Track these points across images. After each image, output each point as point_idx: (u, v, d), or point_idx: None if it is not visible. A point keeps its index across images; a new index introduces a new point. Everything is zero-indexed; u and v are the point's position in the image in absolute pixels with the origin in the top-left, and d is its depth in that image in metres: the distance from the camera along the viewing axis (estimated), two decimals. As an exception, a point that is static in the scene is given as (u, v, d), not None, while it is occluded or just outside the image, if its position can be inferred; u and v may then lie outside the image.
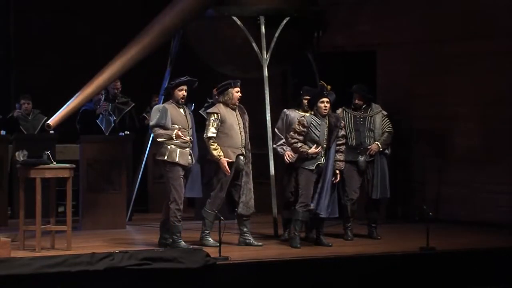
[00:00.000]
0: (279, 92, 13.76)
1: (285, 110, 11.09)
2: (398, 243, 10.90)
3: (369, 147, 11.15)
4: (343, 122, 10.77)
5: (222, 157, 10.31)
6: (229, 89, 10.49)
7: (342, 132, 10.64)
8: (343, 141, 10.68)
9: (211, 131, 10.35)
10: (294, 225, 10.48)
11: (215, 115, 10.41)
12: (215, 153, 10.32)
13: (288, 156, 10.66)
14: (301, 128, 10.39)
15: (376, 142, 11.18)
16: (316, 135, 10.37)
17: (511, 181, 12.30)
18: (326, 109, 10.45)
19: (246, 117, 10.66)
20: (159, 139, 10.18)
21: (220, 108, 10.48)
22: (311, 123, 10.41)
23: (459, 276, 9.97)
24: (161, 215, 10.35)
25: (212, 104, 12.75)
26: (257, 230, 11.15)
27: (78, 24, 14.45)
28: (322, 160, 10.41)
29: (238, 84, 10.50)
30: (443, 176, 12.95)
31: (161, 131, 10.11)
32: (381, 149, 11.18)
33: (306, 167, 10.40)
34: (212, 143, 10.33)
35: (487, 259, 10.22)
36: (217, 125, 10.38)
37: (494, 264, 10.17)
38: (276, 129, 10.99)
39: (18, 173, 10.22)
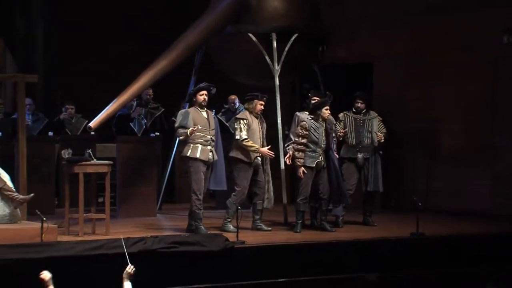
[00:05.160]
0: (288, 98, 13.76)
1: (297, 112, 11.16)
2: (392, 229, 10.90)
3: (377, 137, 11.20)
4: (336, 126, 11.01)
5: (258, 147, 10.40)
6: (255, 100, 10.54)
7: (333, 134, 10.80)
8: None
9: (244, 134, 10.40)
10: (296, 214, 10.54)
11: (245, 120, 10.46)
12: (253, 148, 10.38)
13: (288, 160, 10.71)
14: (303, 131, 10.45)
15: (382, 134, 11.26)
16: (316, 136, 10.44)
17: (491, 176, 12.30)
18: (328, 115, 10.56)
19: (265, 125, 10.70)
20: (180, 137, 10.34)
21: (247, 114, 10.52)
22: (311, 126, 10.46)
23: (446, 258, 9.97)
24: (188, 205, 10.38)
25: (229, 110, 12.83)
26: (269, 218, 11.15)
27: (113, 39, 14.46)
28: (321, 158, 10.46)
29: (264, 98, 10.58)
30: (431, 172, 12.95)
31: (181, 131, 10.17)
32: (382, 140, 11.22)
33: (308, 165, 10.43)
34: (247, 141, 10.38)
35: (470, 243, 10.20)
36: (247, 129, 10.42)
37: (477, 247, 10.14)
38: (290, 131, 11.03)
39: (64, 168, 10.26)
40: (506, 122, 12.22)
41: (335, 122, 11.14)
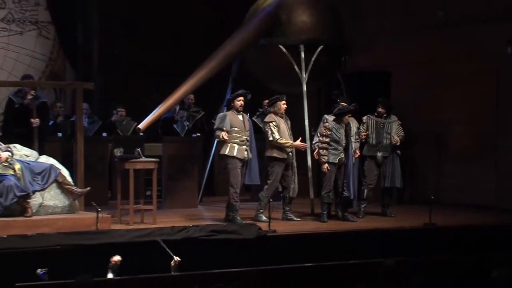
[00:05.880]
0: (315, 103, 13.71)
1: (325, 115, 11.14)
2: (407, 220, 10.82)
3: (393, 140, 11.20)
4: (360, 128, 11.06)
5: (292, 142, 10.37)
6: (278, 102, 10.51)
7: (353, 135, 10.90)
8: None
9: (276, 134, 10.36)
10: (322, 206, 10.51)
11: (273, 122, 10.42)
12: (287, 145, 10.34)
13: (316, 155, 10.71)
14: (326, 131, 10.45)
15: (398, 137, 11.24)
16: (338, 136, 10.46)
17: (495, 172, 12.20)
18: (348, 120, 10.60)
19: (289, 123, 10.67)
20: (216, 139, 10.31)
21: (273, 117, 10.48)
22: (333, 127, 10.46)
23: (456, 246, 9.87)
24: (225, 198, 10.37)
25: (263, 113, 12.78)
26: (298, 209, 11.11)
27: (160, 53, 14.48)
28: (342, 155, 10.45)
29: (284, 98, 10.56)
30: (442, 169, 12.85)
31: (219, 132, 10.15)
32: (398, 144, 11.22)
33: (331, 161, 10.41)
34: (281, 140, 10.33)
35: (478, 233, 10.12)
36: (277, 130, 10.38)
37: (483, 236, 10.04)
38: (318, 131, 11.00)
39: (116, 165, 10.31)
40: (510, 123, 12.11)
41: (358, 125, 11.16)
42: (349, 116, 10.67)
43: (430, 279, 7.72)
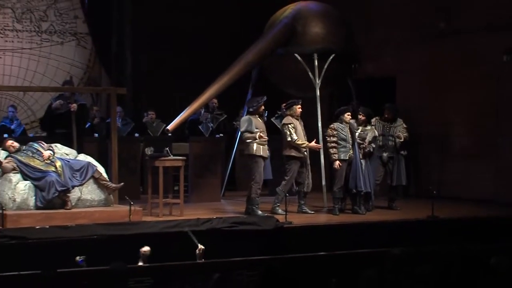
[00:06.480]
0: (327, 107, 13.67)
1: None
2: (411, 213, 10.76)
3: (397, 137, 11.17)
4: (357, 127, 10.83)
5: (308, 143, 10.35)
6: (294, 105, 10.51)
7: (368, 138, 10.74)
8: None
9: (294, 136, 10.35)
10: (334, 200, 10.50)
11: (291, 124, 10.41)
12: (304, 145, 10.33)
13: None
14: (333, 131, 10.45)
15: (403, 136, 11.21)
16: (344, 134, 10.43)
17: (494, 169, 12.12)
18: (349, 119, 10.55)
19: (302, 123, 10.65)
20: (247, 141, 10.24)
21: (291, 119, 10.47)
22: (338, 127, 10.46)
23: (456, 236, 9.80)
24: (246, 193, 10.36)
25: (281, 115, 12.78)
26: (312, 203, 11.09)
27: (187, 60, 14.51)
28: (351, 152, 10.42)
29: (300, 102, 10.54)
30: (444, 166, 12.79)
31: (249, 135, 10.16)
32: (402, 140, 11.18)
33: (342, 158, 10.39)
34: (298, 141, 10.31)
35: (477, 224, 10.05)
36: (294, 131, 10.36)
37: (482, 228, 9.97)
38: None
39: (147, 163, 10.34)
40: (508, 125, 12.02)
41: (376, 135, 11.00)
42: (347, 115, 10.54)
43: (434, 267, 7.68)
